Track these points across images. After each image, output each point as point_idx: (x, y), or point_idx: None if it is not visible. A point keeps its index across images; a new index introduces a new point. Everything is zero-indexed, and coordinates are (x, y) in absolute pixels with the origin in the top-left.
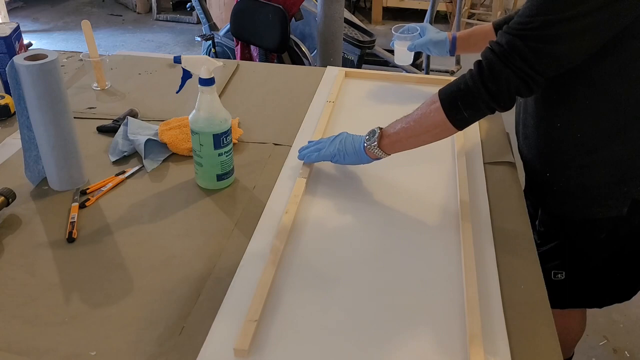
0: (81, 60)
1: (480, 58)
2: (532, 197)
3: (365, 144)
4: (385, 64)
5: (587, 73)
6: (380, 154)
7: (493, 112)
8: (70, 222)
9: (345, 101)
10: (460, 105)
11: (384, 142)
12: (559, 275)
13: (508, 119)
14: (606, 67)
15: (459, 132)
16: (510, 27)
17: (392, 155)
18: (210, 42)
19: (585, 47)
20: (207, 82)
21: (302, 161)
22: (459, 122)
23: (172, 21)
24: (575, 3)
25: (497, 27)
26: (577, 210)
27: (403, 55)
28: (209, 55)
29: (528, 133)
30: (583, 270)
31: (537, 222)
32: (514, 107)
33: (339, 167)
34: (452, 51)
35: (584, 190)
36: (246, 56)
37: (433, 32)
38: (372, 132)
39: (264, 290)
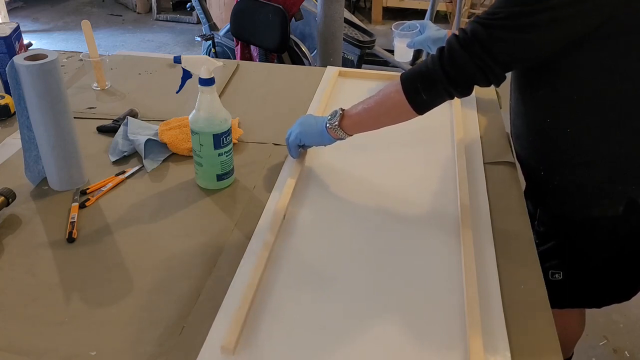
0: (81, 60)
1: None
2: (533, 197)
3: (327, 124)
4: (385, 64)
5: (574, 69)
6: (341, 134)
7: (452, 97)
8: (70, 222)
9: (342, 101)
10: (419, 87)
11: (345, 123)
12: (557, 275)
13: (508, 118)
14: (593, 63)
15: (459, 132)
16: (479, 16)
17: (391, 154)
18: (210, 42)
19: (548, 42)
20: (207, 82)
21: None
22: (418, 104)
23: (172, 21)
24: None
25: None
26: (576, 210)
27: (403, 52)
28: (209, 55)
29: (519, 133)
30: (583, 270)
31: (535, 222)
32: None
33: (336, 165)
34: None
35: (581, 189)
36: (246, 56)
37: (433, 30)
38: (334, 113)
39: (250, 288)
